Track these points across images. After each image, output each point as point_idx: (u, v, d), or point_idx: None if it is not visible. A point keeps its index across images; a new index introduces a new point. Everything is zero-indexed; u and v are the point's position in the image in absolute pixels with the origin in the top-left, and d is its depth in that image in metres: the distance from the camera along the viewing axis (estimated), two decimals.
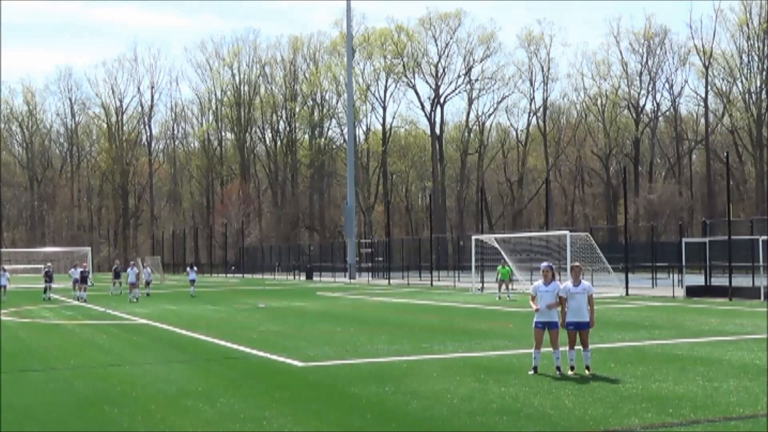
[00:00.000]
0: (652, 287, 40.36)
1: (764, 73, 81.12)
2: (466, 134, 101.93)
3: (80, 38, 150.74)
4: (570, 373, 12.44)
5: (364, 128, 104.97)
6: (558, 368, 12.50)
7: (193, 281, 41.76)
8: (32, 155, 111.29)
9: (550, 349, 12.68)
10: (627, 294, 34.88)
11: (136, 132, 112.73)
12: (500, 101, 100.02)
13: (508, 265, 35.82)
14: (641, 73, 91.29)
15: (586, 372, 12.46)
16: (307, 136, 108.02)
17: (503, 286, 33.95)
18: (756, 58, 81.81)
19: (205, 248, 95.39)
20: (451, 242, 76.08)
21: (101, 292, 44.69)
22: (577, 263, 13.68)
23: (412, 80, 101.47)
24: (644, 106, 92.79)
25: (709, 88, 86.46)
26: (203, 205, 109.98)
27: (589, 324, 12.85)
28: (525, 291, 38.66)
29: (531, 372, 12.54)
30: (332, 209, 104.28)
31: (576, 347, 12.69)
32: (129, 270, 37.82)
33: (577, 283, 12.91)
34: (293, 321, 23.96)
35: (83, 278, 36.26)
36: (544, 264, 13.33)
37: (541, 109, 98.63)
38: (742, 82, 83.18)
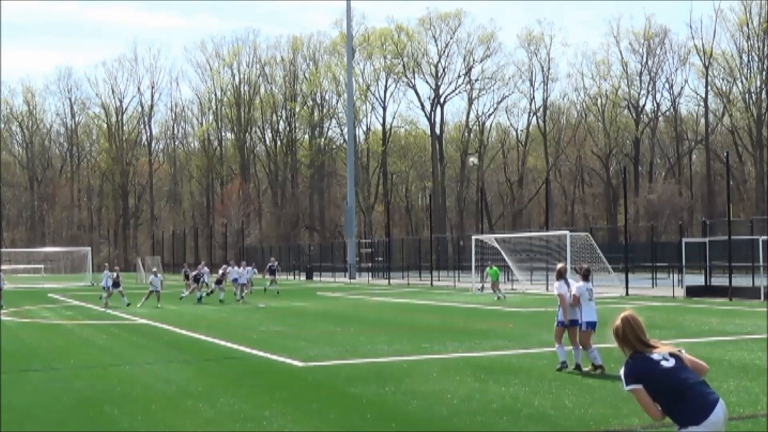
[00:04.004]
0: (652, 287, 40.35)
1: (764, 73, 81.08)
2: (466, 134, 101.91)
3: (80, 38, 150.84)
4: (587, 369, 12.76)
5: (364, 128, 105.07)
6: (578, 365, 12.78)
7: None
8: (32, 155, 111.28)
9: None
10: (627, 294, 34.88)
11: (136, 132, 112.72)
12: (500, 101, 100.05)
13: (496, 266, 36.18)
14: (641, 73, 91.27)
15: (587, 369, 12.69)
16: (307, 136, 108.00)
17: (495, 287, 34.24)
18: (756, 58, 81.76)
19: (205, 248, 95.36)
20: (451, 242, 76.04)
21: (102, 292, 44.65)
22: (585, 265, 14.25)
23: (412, 80, 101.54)
24: (644, 106, 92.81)
25: (709, 88, 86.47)
26: (203, 205, 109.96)
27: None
28: (526, 291, 38.70)
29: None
30: (332, 209, 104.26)
31: (568, 346, 13.10)
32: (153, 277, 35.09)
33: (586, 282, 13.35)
34: (293, 321, 23.95)
35: (196, 279, 36.18)
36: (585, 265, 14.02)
37: (541, 109, 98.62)
38: (742, 82, 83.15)
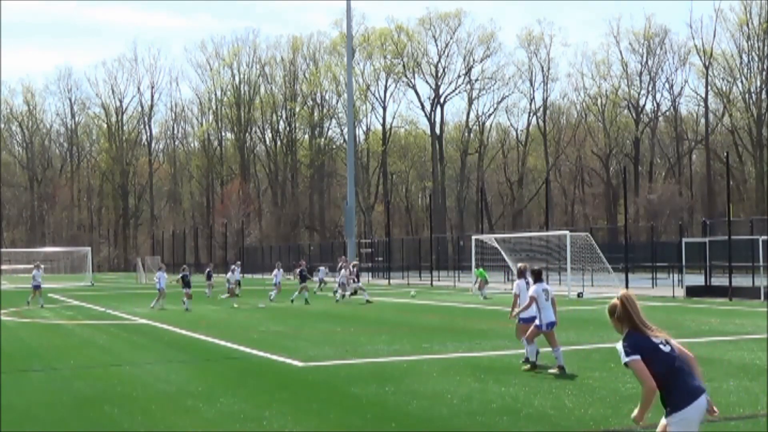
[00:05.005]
0: (652, 287, 40.34)
1: (764, 73, 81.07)
2: (466, 134, 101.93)
3: (80, 38, 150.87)
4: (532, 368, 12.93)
5: (364, 128, 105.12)
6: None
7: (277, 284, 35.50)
8: (32, 155, 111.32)
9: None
10: None
11: (136, 132, 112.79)
12: (500, 101, 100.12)
13: (483, 267, 36.69)
14: (641, 73, 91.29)
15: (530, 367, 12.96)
16: (307, 136, 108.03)
17: (481, 286, 34.96)
18: (756, 58, 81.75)
19: (205, 248, 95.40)
20: (451, 242, 76.04)
21: (101, 292, 44.72)
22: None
23: (412, 80, 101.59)
24: (644, 106, 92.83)
25: (709, 88, 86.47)
26: (203, 205, 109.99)
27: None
28: None
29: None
30: (332, 209, 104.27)
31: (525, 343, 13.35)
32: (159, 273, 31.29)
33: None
34: (293, 321, 23.95)
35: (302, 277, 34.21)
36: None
37: (541, 109, 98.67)
38: (742, 82, 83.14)
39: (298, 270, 35.72)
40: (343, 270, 35.41)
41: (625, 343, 5.46)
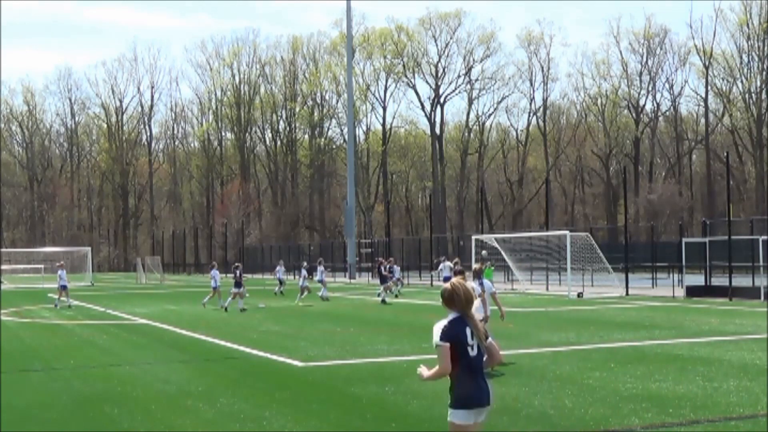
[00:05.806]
0: (652, 287, 40.33)
1: (764, 73, 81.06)
2: (466, 134, 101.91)
3: (80, 38, 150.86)
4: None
5: (364, 128, 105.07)
6: None
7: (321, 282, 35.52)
8: (32, 155, 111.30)
9: None
10: (627, 294, 34.85)
11: (136, 132, 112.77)
12: (500, 101, 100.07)
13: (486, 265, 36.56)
14: (641, 73, 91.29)
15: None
16: (307, 136, 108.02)
17: None
18: (756, 58, 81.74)
19: (205, 248, 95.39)
20: (451, 242, 76.04)
21: (101, 292, 44.71)
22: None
23: (412, 80, 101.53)
24: (644, 106, 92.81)
25: (709, 88, 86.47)
26: (203, 205, 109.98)
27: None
28: (526, 291, 38.69)
29: None
30: (332, 209, 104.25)
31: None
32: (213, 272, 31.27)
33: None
34: (293, 321, 23.95)
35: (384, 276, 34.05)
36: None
37: (541, 109, 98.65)
38: (742, 82, 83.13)
39: (379, 267, 35.66)
40: (444, 263, 36.24)
41: (445, 327, 5.74)
